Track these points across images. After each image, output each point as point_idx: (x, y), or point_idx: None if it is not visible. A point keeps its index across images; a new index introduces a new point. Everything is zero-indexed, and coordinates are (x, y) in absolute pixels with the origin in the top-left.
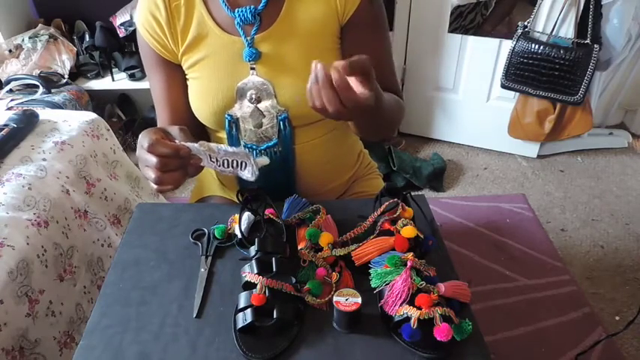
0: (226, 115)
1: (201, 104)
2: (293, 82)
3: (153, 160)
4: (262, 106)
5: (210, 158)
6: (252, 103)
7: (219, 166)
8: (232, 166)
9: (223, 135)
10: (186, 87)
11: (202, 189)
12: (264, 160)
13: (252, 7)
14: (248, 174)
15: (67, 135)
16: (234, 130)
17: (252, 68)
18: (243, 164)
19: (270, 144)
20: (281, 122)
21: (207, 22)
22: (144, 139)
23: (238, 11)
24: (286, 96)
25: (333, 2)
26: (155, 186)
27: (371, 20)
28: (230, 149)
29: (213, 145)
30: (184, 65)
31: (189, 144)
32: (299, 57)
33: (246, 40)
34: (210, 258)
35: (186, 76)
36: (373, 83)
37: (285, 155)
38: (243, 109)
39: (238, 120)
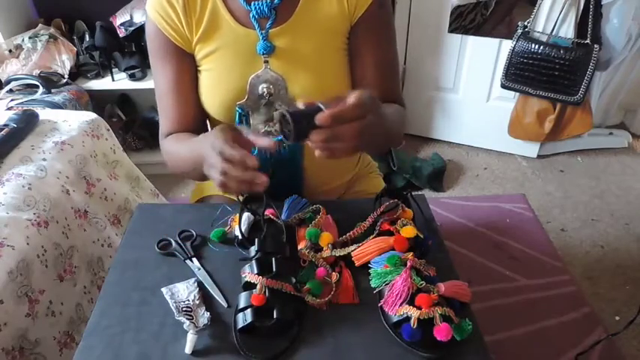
0: (237, 108)
1: (213, 96)
2: (306, 76)
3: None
4: (274, 99)
5: None
6: (264, 97)
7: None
8: None
9: None
10: (197, 78)
11: (202, 189)
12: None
13: (268, 0)
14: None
15: (67, 135)
16: (244, 123)
17: (266, 62)
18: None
19: (279, 138)
20: None
21: (222, 13)
22: (219, 138)
23: (254, 4)
24: (298, 91)
25: (345, 1)
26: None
27: (378, 25)
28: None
29: None
30: (197, 55)
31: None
32: (312, 53)
33: (261, 34)
34: (195, 259)
35: (198, 68)
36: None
37: (294, 150)
38: (254, 102)
39: (249, 113)
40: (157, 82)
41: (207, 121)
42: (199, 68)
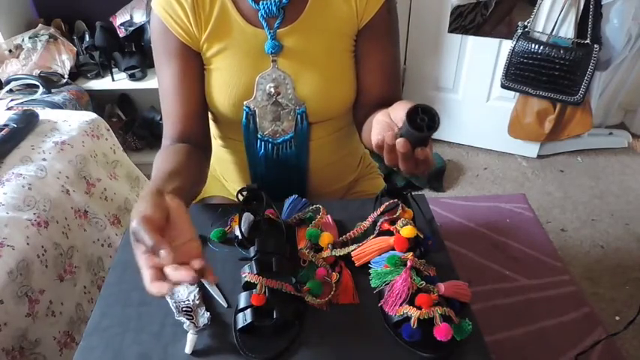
0: (244, 107)
1: (220, 96)
2: (313, 77)
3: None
4: (281, 99)
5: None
6: (272, 96)
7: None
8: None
9: (239, 127)
10: (202, 77)
11: (202, 190)
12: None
13: (277, 0)
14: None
15: (67, 135)
16: (251, 122)
17: (274, 61)
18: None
19: (286, 138)
20: (298, 116)
21: (231, 12)
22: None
23: (263, 4)
24: (305, 90)
25: (354, 3)
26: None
27: (386, 29)
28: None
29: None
30: (205, 54)
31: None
32: (320, 53)
33: (269, 33)
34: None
35: (205, 66)
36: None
37: (300, 150)
38: (261, 101)
39: (256, 112)
40: (161, 80)
41: (212, 122)
42: (207, 67)
